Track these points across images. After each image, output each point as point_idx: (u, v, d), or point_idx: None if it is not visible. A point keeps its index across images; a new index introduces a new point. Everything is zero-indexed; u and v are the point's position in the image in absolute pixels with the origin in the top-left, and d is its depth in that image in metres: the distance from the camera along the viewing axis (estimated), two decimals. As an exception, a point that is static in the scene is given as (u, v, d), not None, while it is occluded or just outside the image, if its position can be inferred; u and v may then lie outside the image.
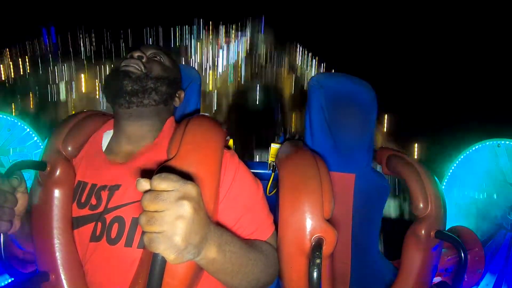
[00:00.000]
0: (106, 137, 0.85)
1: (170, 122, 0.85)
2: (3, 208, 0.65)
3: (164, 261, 0.46)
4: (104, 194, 0.73)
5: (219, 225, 0.67)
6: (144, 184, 0.45)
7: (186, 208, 0.44)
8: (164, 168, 0.65)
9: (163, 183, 0.44)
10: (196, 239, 0.47)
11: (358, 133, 1.11)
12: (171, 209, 0.43)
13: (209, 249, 0.51)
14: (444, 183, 1.44)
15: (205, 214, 0.50)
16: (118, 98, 0.76)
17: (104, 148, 0.82)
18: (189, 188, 0.45)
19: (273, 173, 1.17)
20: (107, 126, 0.86)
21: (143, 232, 0.44)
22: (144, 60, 0.80)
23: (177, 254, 0.44)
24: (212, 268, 0.56)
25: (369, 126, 1.13)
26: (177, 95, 0.89)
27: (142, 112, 0.79)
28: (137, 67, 0.77)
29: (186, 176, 0.47)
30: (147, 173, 0.73)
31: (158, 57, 0.84)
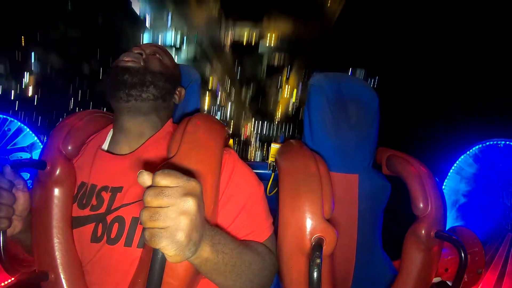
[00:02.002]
0: (108, 136, 0.85)
1: (169, 122, 0.86)
2: None
3: (164, 259, 0.46)
4: (106, 196, 0.73)
5: (214, 225, 0.67)
6: (147, 178, 0.45)
7: (191, 204, 0.44)
8: (165, 166, 0.65)
9: (166, 179, 0.44)
10: (196, 236, 0.47)
11: (361, 133, 1.11)
12: (176, 205, 0.43)
13: (203, 248, 0.51)
14: (445, 183, 1.44)
15: (204, 212, 0.50)
16: (118, 91, 0.76)
17: (106, 148, 0.82)
18: (193, 185, 0.45)
19: (273, 173, 1.17)
20: (109, 127, 0.86)
21: (144, 229, 0.44)
22: (143, 56, 0.81)
23: (178, 251, 0.44)
24: (205, 268, 0.55)
25: (372, 126, 1.12)
26: (176, 92, 0.89)
27: (141, 107, 0.79)
28: (136, 60, 0.78)
29: (186, 174, 0.47)
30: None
31: (157, 55, 0.84)
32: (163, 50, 0.87)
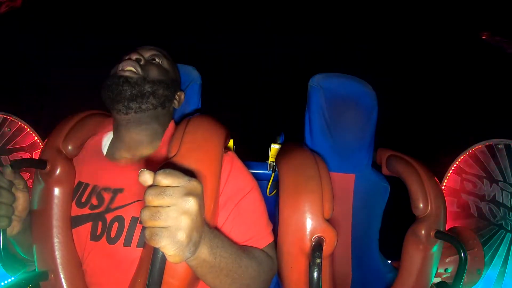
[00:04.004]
0: (107, 138, 0.85)
1: (171, 126, 0.85)
2: None
3: (164, 258, 0.46)
4: (107, 196, 0.73)
5: (213, 227, 0.67)
6: (148, 177, 0.45)
7: (192, 204, 0.44)
8: (165, 166, 0.65)
9: (167, 179, 0.44)
10: (196, 236, 0.47)
11: (358, 133, 1.11)
12: (177, 205, 0.43)
13: (202, 249, 0.51)
14: (444, 184, 1.44)
15: (204, 213, 0.50)
16: (117, 103, 0.75)
17: (105, 150, 0.82)
18: (195, 185, 0.45)
19: (273, 174, 1.17)
20: (108, 128, 0.86)
21: (144, 228, 0.44)
22: (142, 62, 0.79)
23: (178, 251, 0.44)
24: (201, 270, 0.55)
25: (369, 126, 1.13)
26: (176, 97, 0.88)
27: (141, 118, 0.78)
28: (134, 70, 0.76)
29: (186, 174, 0.47)
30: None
31: (156, 60, 0.83)
32: (162, 53, 0.86)
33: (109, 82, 0.76)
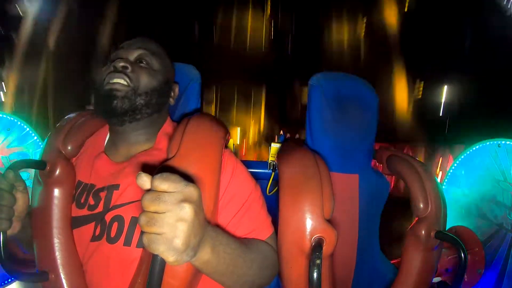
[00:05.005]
0: (106, 138, 0.85)
1: (167, 123, 0.84)
2: (0, 206, 0.65)
3: (164, 261, 0.46)
4: (103, 194, 0.73)
5: (216, 225, 0.67)
6: (145, 180, 0.44)
7: (188, 211, 0.44)
8: (164, 168, 0.65)
9: (164, 184, 0.43)
10: (195, 241, 0.47)
11: (359, 133, 1.11)
12: (172, 211, 0.43)
13: (204, 250, 0.51)
14: (444, 183, 1.44)
15: (204, 216, 0.50)
16: (110, 118, 0.75)
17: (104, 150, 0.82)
18: (191, 191, 0.45)
19: (273, 173, 1.17)
20: (108, 128, 0.86)
21: (142, 232, 0.44)
22: (129, 70, 0.75)
23: (176, 257, 0.44)
24: (206, 269, 0.56)
25: (370, 126, 1.13)
26: (171, 94, 0.87)
27: (137, 125, 0.78)
28: (123, 82, 0.73)
29: (186, 176, 0.47)
30: (146, 172, 0.73)
31: (144, 61, 0.78)
32: (150, 50, 0.80)
33: (98, 98, 0.75)
